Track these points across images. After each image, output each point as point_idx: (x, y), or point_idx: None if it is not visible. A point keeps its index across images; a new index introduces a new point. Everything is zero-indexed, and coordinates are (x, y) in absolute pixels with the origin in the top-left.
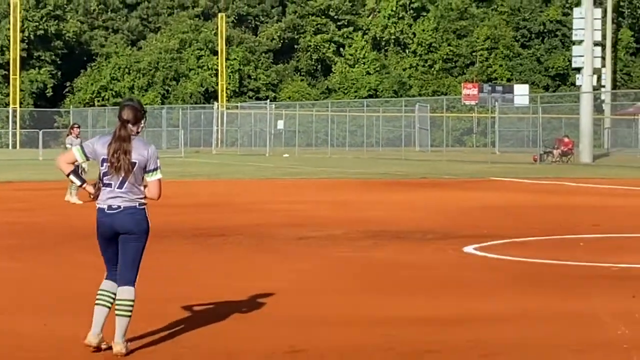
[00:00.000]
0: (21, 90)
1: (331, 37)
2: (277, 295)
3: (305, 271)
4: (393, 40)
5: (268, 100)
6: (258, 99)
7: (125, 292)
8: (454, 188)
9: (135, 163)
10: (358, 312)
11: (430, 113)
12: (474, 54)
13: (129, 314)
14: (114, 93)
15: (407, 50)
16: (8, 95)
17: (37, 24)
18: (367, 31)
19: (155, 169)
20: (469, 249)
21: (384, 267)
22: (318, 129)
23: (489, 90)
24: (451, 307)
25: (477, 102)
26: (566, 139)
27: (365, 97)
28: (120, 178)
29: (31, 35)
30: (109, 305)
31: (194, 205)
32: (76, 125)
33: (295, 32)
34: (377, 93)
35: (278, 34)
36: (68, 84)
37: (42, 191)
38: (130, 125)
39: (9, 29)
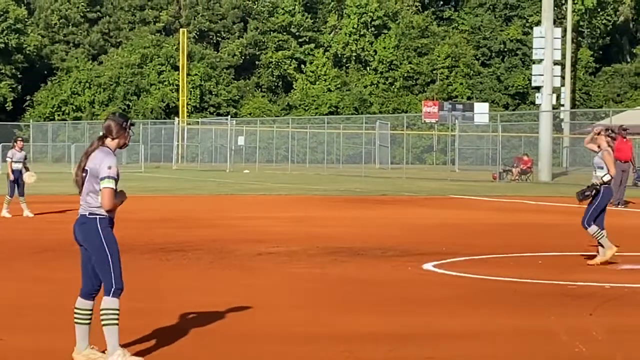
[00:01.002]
0: None
1: (292, 54)
2: (236, 311)
3: (264, 287)
4: (354, 58)
5: (229, 116)
6: (219, 114)
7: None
8: (413, 205)
9: (87, 171)
10: (317, 329)
11: (390, 130)
12: (434, 71)
13: (85, 322)
14: (74, 107)
15: (368, 68)
16: None
17: None
18: (328, 48)
19: (103, 178)
20: (428, 266)
21: (343, 283)
22: (279, 145)
23: (449, 108)
24: (410, 324)
25: (437, 120)
26: (525, 158)
27: (326, 114)
28: (78, 188)
29: None
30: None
31: (154, 220)
32: (20, 139)
33: (257, 48)
34: (338, 110)
35: (239, 50)
36: (28, 97)
37: None
38: (107, 138)
39: None
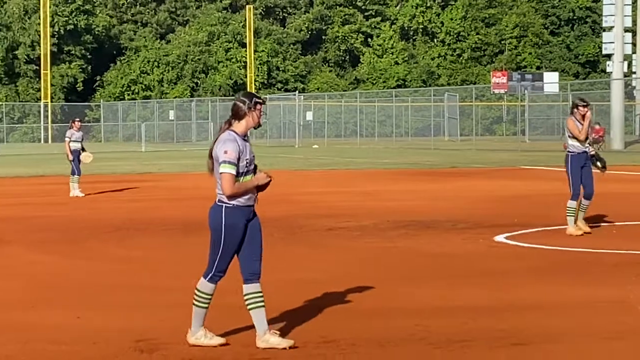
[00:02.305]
0: (52, 85)
1: (359, 28)
2: (308, 286)
3: (335, 262)
4: (421, 30)
5: (297, 92)
6: (287, 90)
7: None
8: (483, 177)
9: (213, 158)
10: (389, 303)
11: (459, 102)
12: (502, 42)
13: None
14: (143, 86)
15: (435, 40)
16: (39, 90)
17: (67, 18)
18: (395, 21)
19: (220, 163)
20: (500, 238)
21: (414, 257)
22: (347, 119)
23: (518, 79)
24: (483, 297)
25: (506, 90)
26: (597, 126)
27: (394, 87)
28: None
29: (61, 30)
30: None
31: None
32: (77, 119)
33: (323, 23)
34: (406, 83)
35: (306, 25)
36: (98, 78)
37: None
38: (234, 121)
39: (39, 24)
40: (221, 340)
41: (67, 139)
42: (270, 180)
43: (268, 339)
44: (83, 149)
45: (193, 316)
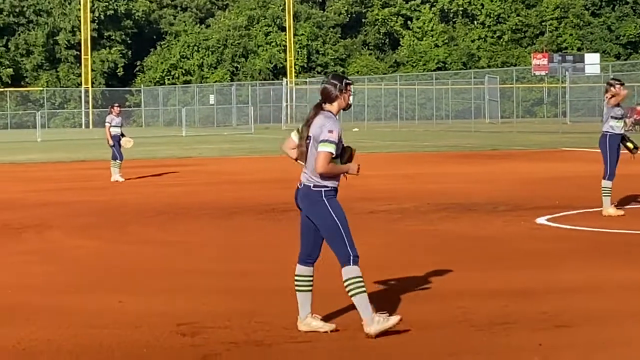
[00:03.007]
0: (93, 70)
1: (399, 10)
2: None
3: (376, 245)
4: (461, 12)
5: None
6: (327, 74)
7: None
8: (524, 159)
9: (310, 137)
10: (430, 286)
11: (499, 84)
12: (543, 23)
13: (306, 288)
14: (183, 71)
15: (475, 22)
16: (80, 75)
17: (107, 3)
18: (434, 3)
19: (322, 141)
20: (542, 220)
21: (455, 239)
22: (387, 102)
23: (559, 60)
24: (525, 279)
25: (547, 72)
26: (639, 107)
27: (434, 70)
28: (302, 159)
29: (101, 15)
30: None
31: (265, 181)
32: (116, 105)
33: (363, 6)
34: (446, 65)
35: (345, 8)
36: (138, 63)
37: None
38: (325, 104)
39: (79, 9)
40: (396, 319)
41: (107, 125)
42: (358, 171)
43: (310, 322)
44: (123, 134)
45: (357, 306)
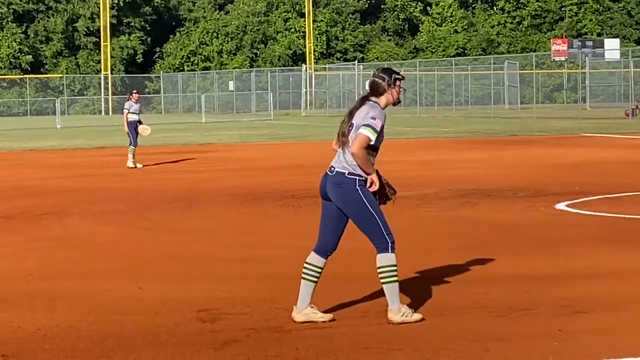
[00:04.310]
0: (112, 57)
1: None
2: (368, 255)
3: (396, 231)
4: None
5: (356, 61)
6: (346, 60)
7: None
8: (544, 145)
9: (352, 125)
10: (451, 271)
11: (519, 70)
12: (563, 9)
13: (313, 279)
14: (202, 57)
15: (495, 7)
16: (99, 62)
17: None
18: None
19: (364, 125)
20: (561, 205)
21: (475, 225)
22: (406, 88)
23: (578, 46)
24: (544, 265)
25: (566, 57)
26: None
27: (454, 56)
28: (339, 147)
29: (120, 2)
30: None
31: (285, 167)
32: (135, 91)
33: None
34: (465, 51)
35: None
36: (157, 49)
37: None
38: (372, 97)
39: None
40: (419, 316)
41: (125, 111)
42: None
43: (308, 312)
44: (140, 122)
45: (387, 294)
